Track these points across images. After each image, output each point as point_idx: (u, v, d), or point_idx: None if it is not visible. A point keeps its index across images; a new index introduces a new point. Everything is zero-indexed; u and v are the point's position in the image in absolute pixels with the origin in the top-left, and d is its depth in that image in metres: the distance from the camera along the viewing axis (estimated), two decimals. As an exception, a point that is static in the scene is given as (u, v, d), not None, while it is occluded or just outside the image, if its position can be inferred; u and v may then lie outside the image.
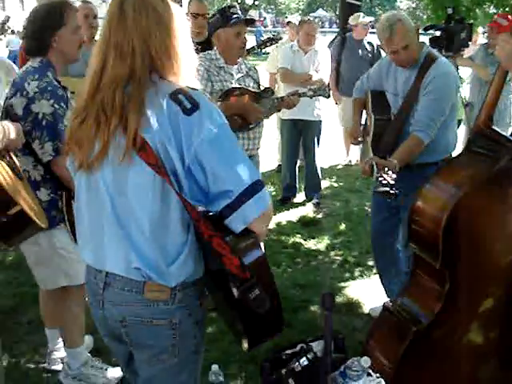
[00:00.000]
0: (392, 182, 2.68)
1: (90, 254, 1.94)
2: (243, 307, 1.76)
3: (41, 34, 2.83)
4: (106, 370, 3.33)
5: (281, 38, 6.48)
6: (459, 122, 5.90)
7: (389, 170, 2.78)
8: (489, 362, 2.85)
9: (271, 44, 5.43)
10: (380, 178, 2.71)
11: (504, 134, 2.70)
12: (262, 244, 1.89)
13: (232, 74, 3.85)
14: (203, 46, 4.34)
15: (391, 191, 2.68)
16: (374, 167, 2.84)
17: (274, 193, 6.99)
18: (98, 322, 2.04)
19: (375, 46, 7.35)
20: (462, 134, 6.18)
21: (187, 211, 1.74)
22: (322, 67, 6.26)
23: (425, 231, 2.64)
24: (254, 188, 1.74)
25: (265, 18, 62.06)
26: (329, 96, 4.88)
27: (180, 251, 1.81)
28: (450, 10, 5.34)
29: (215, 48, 3.87)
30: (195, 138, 1.69)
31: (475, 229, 2.55)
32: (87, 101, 1.78)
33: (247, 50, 5.32)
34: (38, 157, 2.80)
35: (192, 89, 1.78)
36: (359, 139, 3.85)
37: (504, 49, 2.49)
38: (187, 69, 1.83)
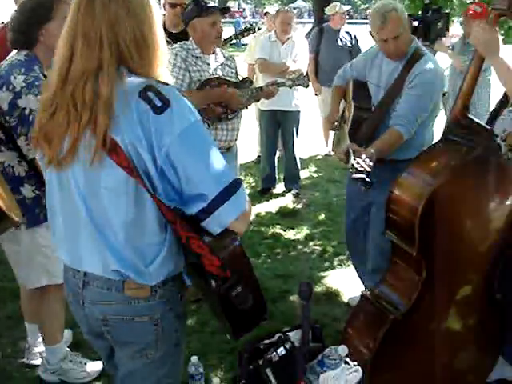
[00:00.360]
0: (368, 170, 2.66)
1: (66, 253, 1.90)
2: (226, 303, 1.75)
3: (28, 27, 2.76)
4: (86, 364, 3.31)
5: (259, 29, 6.46)
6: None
7: (366, 157, 2.77)
8: (467, 349, 2.89)
9: (249, 34, 5.39)
10: (356, 165, 2.69)
11: (480, 122, 2.72)
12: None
13: (209, 64, 3.84)
14: (182, 36, 4.31)
15: (367, 179, 2.66)
16: (351, 154, 2.82)
17: (253, 184, 6.99)
18: (78, 319, 2.01)
19: (353, 36, 7.37)
20: (441, 122, 6.21)
21: (162, 214, 1.70)
22: (299, 57, 6.26)
23: (401, 219, 2.65)
24: (229, 190, 1.69)
25: (244, 9, 61.87)
26: (308, 85, 4.87)
27: (158, 251, 1.76)
28: (427, 0, 5.38)
29: (191, 38, 3.85)
30: (166, 137, 1.62)
31: (451, 217, 2.57)
32: (56, 92, 1.70)
33: (225, 40, 5.28)
34: (22, 152, 2.76)
35: (163, 83, 1.70)
36: (335, 124, 3.81)
37: (478, 35, 2.50)
38: (158, 61, 1.74)
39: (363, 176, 2.67)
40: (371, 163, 2.74)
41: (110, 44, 1.65)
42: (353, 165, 2.72)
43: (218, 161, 1.71)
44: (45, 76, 2.78)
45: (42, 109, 1.77)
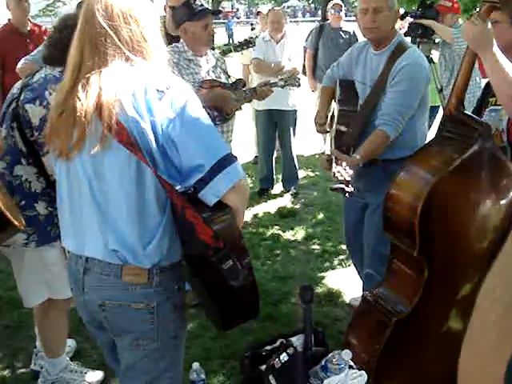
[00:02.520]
0: (348, 179, 2.62)
1: (71, 240, 2.00)
2: (218, 279, 1.81)
3: (66, 45, 2.74)
4: (86, 373, 3.28)
5: (255, 43, 6.38)
6: (437, 107, 5.86)
7: (346, 165, 2.70)
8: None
9: (248, 47, 5.32)
10: (337, 174, 2.64)
11: (476, 117, 2.68)
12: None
13: (201, 66, 3.79)
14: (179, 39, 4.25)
15: (347, 188, 2.62)
16: (333, 162, 2.76)
17: (251, 185, 6.95)
18: (79, 307, 2.09)
19: (351, 33, 7.33)
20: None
21: (161, 184, 1.79)
22: (294, 56, 6.23)
23: (401, 219, 2.62)
24: (225, 161, 1.80)
25: (237, 9, 61.95)
26: (299, 85, 4.83)
27: (155, 232, 1.85)
28: (423, -4, 5.35)
29: (181, 40, 3.80)
30: (167, 117, 1.76)
31: (450, 215, 2.53)
32: (67, 93, 1.84)
33: (223, 50, 5.25)
34: (42, 169, 2.74)
35: (163, 72, 1.86)
36: (325, 127, 3.68)
37: (469, 30, 2.46)
38: (157, 59, 1.90)
39: (342, 186, 2.63)
40: (351, 172, 2.68)
41: (114, 48, 1.82)
42: (334, 173, 2.68)
43: (214, 135, 1.88)
44: None
45: (54, 109, 1.92)
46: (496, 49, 2.42)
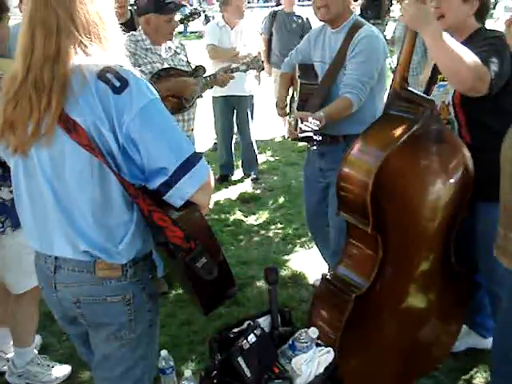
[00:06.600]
0: (315, 128, 2.65)
1: (36, 240, 1.93)
2: (193, 275, 1.79)
3: None
4: (53, 367, 3.27)
5: (200, 14, 6.32)
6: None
7: (313, 118, 2.76)
8: (430, 322, 2.93)
9: (193, 19, 5.34)
10: (304, 127, 2.68)
11: (420, 94, 2.74)
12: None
13: (160, 55, 3.75)
14: (127, 26, 4.20)
15: (314, 136, 2.65)
16: (298, 121, 2.81)
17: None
18: (52, 305, 2.04)
19: (305, 19, 7.34)
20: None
21: (124, 189, 1.73)
22: (249, 42, 6.22)
23: (353, 197, 2.67)
24: (190, 162, 1.74)
25: (191, -3, 61.17)
26: (263, 68, 4.83)
27: (127, 229, 1.81)
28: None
29: (140, 28, 3.75)
30: (126, 116, 1.67)
31: (401, 191, 2.59)
32: (21, 83, 1.73)
33: None
34: None
35: (120, 65, 1.73)
36: (286, 110, 3.75)
37: (405, 12, 2.49)
38: (115, 44, 1.80)
39: (310, 134, 2.67)
40: (318, 122, 2.74)
41: (67, 31, 1.70)
42: (300, 128, 2.72)
43: (177, 135, 1.77)
44: None
45: (6, 100, 1.78)
46: (437, 27, 2.43)
